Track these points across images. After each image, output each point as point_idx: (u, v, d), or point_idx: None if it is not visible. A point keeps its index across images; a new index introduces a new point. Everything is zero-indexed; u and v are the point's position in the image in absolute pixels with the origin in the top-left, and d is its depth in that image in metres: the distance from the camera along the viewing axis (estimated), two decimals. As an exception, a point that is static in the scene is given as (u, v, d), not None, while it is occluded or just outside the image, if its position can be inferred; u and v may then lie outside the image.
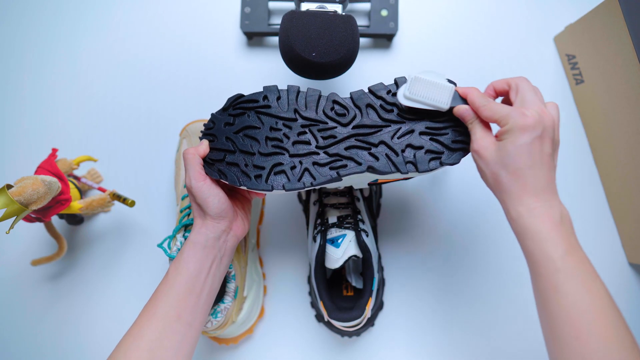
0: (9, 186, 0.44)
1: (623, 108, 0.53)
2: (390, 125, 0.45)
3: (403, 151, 0.44)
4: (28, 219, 0.50)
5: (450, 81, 0.44)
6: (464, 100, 0.43)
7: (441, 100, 0.43)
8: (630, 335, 0.34)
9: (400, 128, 0.44)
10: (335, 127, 0.45)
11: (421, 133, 0.44)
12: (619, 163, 0.57)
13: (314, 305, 0.57)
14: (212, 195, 0.44)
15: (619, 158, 0.56)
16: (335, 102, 0.45)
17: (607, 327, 0.34)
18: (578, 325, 0.34)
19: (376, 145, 0.44)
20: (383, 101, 0.45)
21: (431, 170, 0.43)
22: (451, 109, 0.43)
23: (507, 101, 0.42)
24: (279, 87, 0.46)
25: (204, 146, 0.45)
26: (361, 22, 0.62)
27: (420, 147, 0.44)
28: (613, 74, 0.53)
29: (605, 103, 0.56)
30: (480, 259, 0.59)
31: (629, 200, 0.56)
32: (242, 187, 0.44)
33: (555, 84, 0.62)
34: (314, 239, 0.54)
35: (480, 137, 0.40)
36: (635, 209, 0.56)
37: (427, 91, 0.43)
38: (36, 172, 0.50)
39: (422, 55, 0.63)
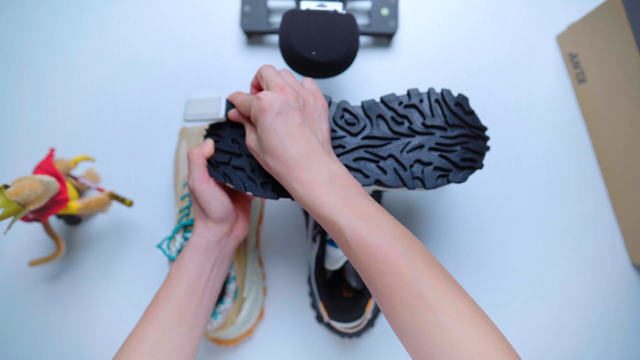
0: (6, 186, 0.44)
1: (626, 107, 0.53)
2: (399, 139, 0.44)
3: (411, 166, 0.43)
4: (26, 219, 0.50)
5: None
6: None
7: (216, 112, 0.45)
8: (421, 251, 0.34)
9: (409, 142, 0.43)
10: (345, 137, 0.44)
11: (431, 149, 0.43)
12: (622, 163, 0.56)
13: (314, 306, 0.56)
14: (216, 198, 0.44)
15: (622, 158, 0.56)
16: (345, 110, 0.45)
17: (398, 257, 0.33)
18: (374, 268, 0.33)
19: (385, 159, 0.43)
20: (395, 112, 0.44)
21: (437, 187, 0.43)
22: (227, 115, 0.45)
23: None
24: None
25: (209, 147, 0.45)
26: (361, 20, 0.62)
27: (429, 163, 0.43)
28: (616, 73, 0.53)
29: (607, 102, 0.56)
30: (481, 259, 0.59)
31: (632, 200, 0.56)
32: (247, 193, 0.44)
33: (557, 83, 0.62)
34: (314, 240, 0.53)
35: (247, 134, 0.42)
36: (638, 208, 0.55)
37: (201, 108, 0.45)
38: (34, 172, 0.50)
39: (423, 55, 0.62)
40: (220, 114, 0.44)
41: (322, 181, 0.36)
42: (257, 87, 0.44)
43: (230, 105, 0.45)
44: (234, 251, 0.47)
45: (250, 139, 0.41)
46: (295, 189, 0.37)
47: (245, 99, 0.42)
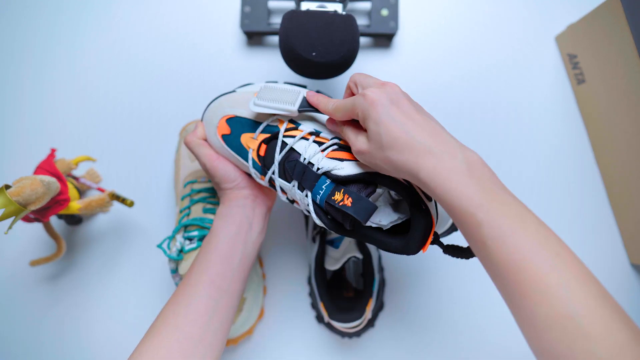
0: (7, 186, 0.44)
1: (625, 108, 0.53)
2: None
3: None
4: (27, 219, 0.50)
5: (302, 86, 0.45)
6: (314, 108, 0.42)
7: (290, 103, 0.42)
8: (574, 262, 0.29)
9: None
10: None
11: None
12: (621, 163, 0.56)
13: (314, 306, 0.57)
14: (229, 170, 0.47)
15: (621, 158, 0.56)
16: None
17: (545, 267, 0.28)
18: (513, 277, 0.29)
19: None
20: None
21: None
22: (300, 111, 0.42)
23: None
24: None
25: (201, 130, 0.48)
26: (361, 21, 0.62)
27: None
28: (615, 73, 0.53)
29: (606, 103, 0.56)
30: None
31: (631, 200, 0.56)
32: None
33: (556, 83, 0.62)
34: (313, 240, 0.54)
35: (354, 139, 0.38)
36: (637, 209, 0.55)
37: (275, 96, 0.43)
38: (35, 172, 0.50)
39: (423, 55, 0.63)
40: (294, 106, 0.42)
41: (458, 169, 0.32)
42: (352, 95, 0.42)
43: (306, 104, 0.42)
44: (264, 216, 0.48)
45: (360, 142, 0.37)
46: (425, 179, 0.32)
47: (342, 103, 0.39)
